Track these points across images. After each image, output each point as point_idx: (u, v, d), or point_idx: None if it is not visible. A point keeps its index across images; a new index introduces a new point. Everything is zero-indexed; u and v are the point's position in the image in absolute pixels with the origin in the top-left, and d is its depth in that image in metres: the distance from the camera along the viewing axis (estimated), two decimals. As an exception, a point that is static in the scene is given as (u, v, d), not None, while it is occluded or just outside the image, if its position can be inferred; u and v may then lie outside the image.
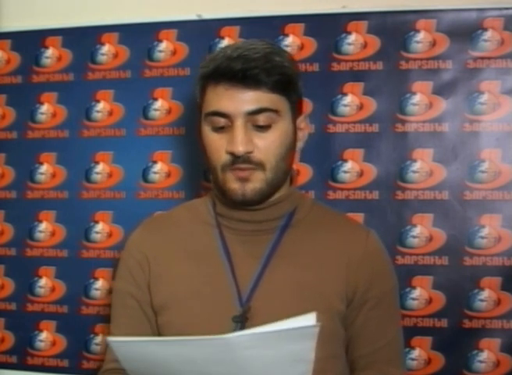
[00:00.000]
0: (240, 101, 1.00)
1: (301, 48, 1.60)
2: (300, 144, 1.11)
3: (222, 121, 1.02)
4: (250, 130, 1.01)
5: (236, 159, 1.01)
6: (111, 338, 0.81)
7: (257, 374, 0.81)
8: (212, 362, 0.80)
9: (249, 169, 1.02)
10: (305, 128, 1.12)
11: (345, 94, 1.59)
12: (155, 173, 1.68)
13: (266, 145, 1.02)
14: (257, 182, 1.03)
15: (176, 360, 0.81)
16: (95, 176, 1.71)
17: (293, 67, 1.06)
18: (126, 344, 0.82)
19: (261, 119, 1.01)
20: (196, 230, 1.13)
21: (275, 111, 1.02)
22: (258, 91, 1.00)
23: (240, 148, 1.00)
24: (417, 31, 1.55)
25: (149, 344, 0.81)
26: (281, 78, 1.02)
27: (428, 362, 1.54)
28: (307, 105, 1.58)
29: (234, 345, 0.77)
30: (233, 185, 1.03)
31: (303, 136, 1.11)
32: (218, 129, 1.03)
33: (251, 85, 1.00)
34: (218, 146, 1.03)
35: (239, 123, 1.00)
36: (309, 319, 0.75)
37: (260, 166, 1.02)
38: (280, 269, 1.06)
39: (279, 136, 1.03)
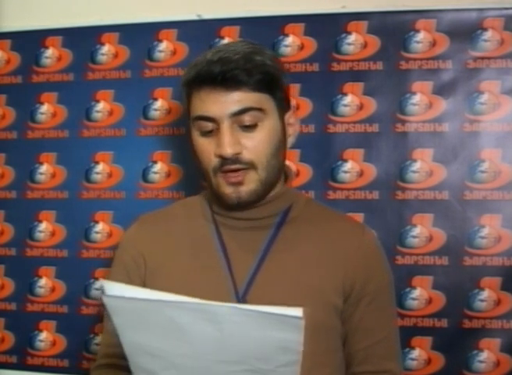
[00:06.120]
0: (223, 103, 1.01)
1: (301, 48, 1.60)
2: (291, 140, 1.12)
3: (209, 125, 1.03)
4: (236, 131, 1.02)
5: (226, 161, 1.02)
6: (107, 287, 0.82)
7: (243, 353, 0.82)
8: (199, 331, 0.81)
9: (240, 169, 1.03)
10: (295, 123, 1.12)
11: (345, 94, 1.59)
12: (155, 173, 1.68)
13: (255, 145, 1.03)
14: (251, 183, 1.04)
15: (165, 324, 0.81)
16: (95, 176, 1.71)
17: (275, 65, 1.07)
18: (119, 301, 0.82)
19: (247, 118, 1.02)
20: (192, 226, 1.14)
21: (260, 109, 1.03)
22: (240, 91, 1.01)
23: (228, 151, 1.01)
24: (417, 31, 1.55)
25: (141, 303, 0.81)
26: (263, 77, 1.02)
27: (428, 362, 1.54)
28: (307, 105, 1.59)
29: (218, 315, 0.78)
30: (227, 190, 1.04)
31: (293, 131, 1.12)
32: (207, 133, 1.04)
33: (232, 86, 1.00)
34: (207, 150, 1.04)
35: (225, 126, 1.01)
36: (296, 311, 0.76)
37: (251, 165, 1.03)
38: (276, 264, 1.07)
39: (267, 134, 1.04)
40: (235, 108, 1.01)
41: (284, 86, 1.09)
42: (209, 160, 1.04)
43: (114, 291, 0.83)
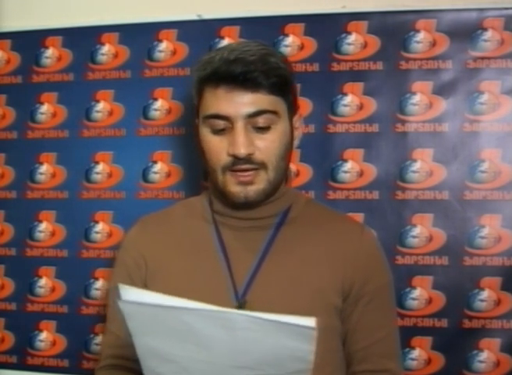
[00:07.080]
0: (240, 103, 1.01)
1: (301, 48, 1.60)
2: (296, 143, 1.13)
3: (221, 123, 1.03)
4: (250, 131, 1.03)
5: (238, 161, 1.03)
6: (123, 294, 0.83)
7: (256, 359, 0.83)
8: (214, 337, 0.81)
9: (251, 169, 1.03)
10: (300, 127, 1.14)
11: (345, 94, 1.59)
12: (155, 173, 1.68)
13: (267, 146, 1.04)
14: (260, 183, 1.05)
15: (181, 329, 0.82)
16: (95, 176, 1.71)
17: (287, 68, 1.08)
18: (135, 307, 0.83)
19: (261, 120, 1.03)
20: (192, 226, 1.14)
21: (274, 112, 1.04)
22: (257, 93, 1.02)
23: (242, 151, 1.01)
24: (417, 31, 1.55)
25: (158, 310, 0.82)
26: (278, 80, 1.03)
27: (428, 362, 1.54)
28: (307, 105, 1.59)
29: (233, 322, 0.79)
30: (235, 188, 1.05)
31: (298, 134, 1.13)
32: (218, 131, 1.04)
33: (251, 88, 1.01)
34: (218, 148, 1.04)
35: (239, 126, 1.02)
36: (309, 321, 0.76)
37: (262, 165, 1.04)
38: (276, 264, 1.07)
39: (279, 136, 1.05)
40: (251, 109, 1.01)
41: (294, 89, 1.10)
42: (219, 158, 1.04)
43: (130, 295, 0.84)
